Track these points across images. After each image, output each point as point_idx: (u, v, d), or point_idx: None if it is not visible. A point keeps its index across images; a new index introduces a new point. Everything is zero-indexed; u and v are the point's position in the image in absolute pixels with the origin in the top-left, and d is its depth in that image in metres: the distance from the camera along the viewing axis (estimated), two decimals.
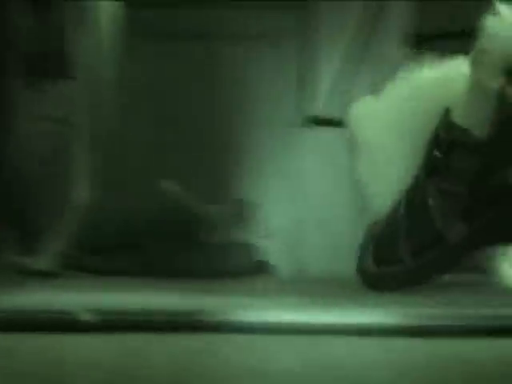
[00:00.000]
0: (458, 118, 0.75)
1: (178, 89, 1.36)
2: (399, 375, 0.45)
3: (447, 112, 0.77)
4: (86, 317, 0.60)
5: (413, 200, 0.78)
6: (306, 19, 1.24)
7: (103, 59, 1.36)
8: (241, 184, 1.31)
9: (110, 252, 1.07)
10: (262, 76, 1.37)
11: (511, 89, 0.71)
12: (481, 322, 0.60)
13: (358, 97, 1.19)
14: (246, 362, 0.50)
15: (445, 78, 0.83)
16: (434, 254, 0.77)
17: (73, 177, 1.24)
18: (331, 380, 0.44)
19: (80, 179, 1.26)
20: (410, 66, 0.98)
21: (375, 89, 1.16)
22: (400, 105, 0.82)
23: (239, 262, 1.05)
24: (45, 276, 1.00)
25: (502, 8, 0.79)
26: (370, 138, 0.83)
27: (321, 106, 1.22)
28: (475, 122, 0.73)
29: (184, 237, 1.06)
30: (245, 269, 1.05)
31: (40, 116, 1.25)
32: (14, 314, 0.63)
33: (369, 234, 0.86)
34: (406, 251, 0.78)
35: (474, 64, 0.78)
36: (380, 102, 0.83)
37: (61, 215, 1.15)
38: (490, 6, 0.81)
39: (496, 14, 0.77)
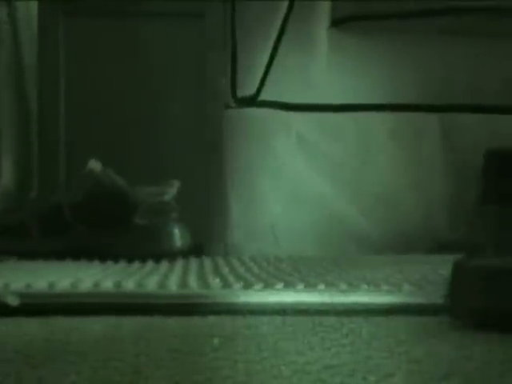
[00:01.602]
0: None
1: (102, 70, 1.34)
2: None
3: None
4: (12, 300, 0.60)
5: None
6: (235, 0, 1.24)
7: (19, 38, 1.33)
8: (171, 165, 1.31)
9: (39, 235, 1.05)
10: (192, 58, 1.36)
11: None
12: None
13: (289, 76, 1.20)
14: (165, 342, 0.49)
15: None
16: None
17: None
18: None
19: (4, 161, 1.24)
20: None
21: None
22: None
23: (171, 244, 1.05)
24: None
25: None
26: None
27: (252, 87, 1.21)
28: None
29: (115, 219, 1.05)
30: (177, 250, 1.05)
31: None
32: None
33: None
34: None
35: None
36: None
37: None
38: None
39: None
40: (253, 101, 1.21)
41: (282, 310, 0.61)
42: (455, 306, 0.56)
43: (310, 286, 0.71)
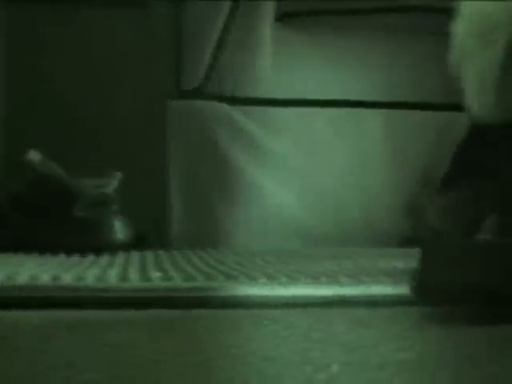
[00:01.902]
0: None
1: (48, 58, 1.32)
2: None
3: None
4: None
5: None
6: None
7: None
8: (113, 157, 1.29)
9: None
10: (136, 48, 1.35)
11: None
12: None
13: (234, 70, 1.20)
14: (101, 336, 0.49)
15: None
16: None
17: None
18: None
19: None
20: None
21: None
22: None
23: (112, 237, 1.03)
24: None
25: None
26: None
27: (198, 79, 1.21)
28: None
29: (54, 211, 1.03)
30: (118, 243, 1.03)
31: None
32: None
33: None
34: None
35: None
36: None
37: None
38: None
39: None
40: (196, 93, 1.21)
41: (222, 303, 0.61)
42: (421, 283, 0.59)
43: (251, 279, 0.71)
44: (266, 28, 1.22)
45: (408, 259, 0.92)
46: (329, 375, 0.38)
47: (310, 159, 1.22)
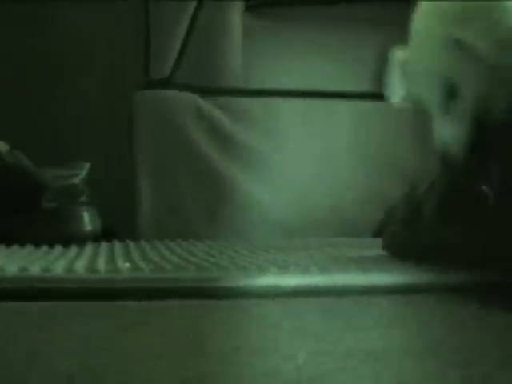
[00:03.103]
0: None
1: (15, 51, 1.30)
2: None
3: None
4: None
5: None
6: None
7: None
8: (84, 147, 1.28)
9: None
10: (104, 37, 1.34)
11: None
12: None
13: (203, 60, 1.20)
14: (69, 328, 0.49)
15: None
16: None
17: None
18: None
19: None
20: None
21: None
22: None
23: (80, 228, 1.03)
24: None
25: None
26: None
27: (166, 69, 1.20)
28: None
29: (21, 202, 1.02)
30: (87, 234, 1.03)
31: None
32: None
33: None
34: None
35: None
36: None
37: None
38: None
39: None
40: (165, 83, 1.20)
41: (191, 293, 0.61)
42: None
43: (221, 270, 0.71)
44: (236, 18, 1.22)
45: (377, 249, 0.93)
46: (296, 364, 0.38)
47: (279, 150, 1.22)
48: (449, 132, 0.62)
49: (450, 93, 0.61)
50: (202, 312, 0.55)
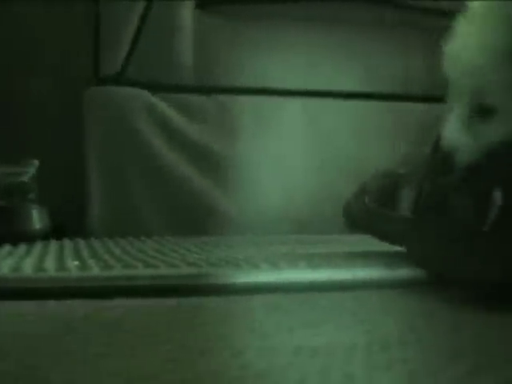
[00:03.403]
0: None
1: None
2: None
3: None
4: None
5: None
6: None
7: None
8: (32, 145, 1.26)
9: None
10: (56, 33, 1.32)
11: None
12: None
13: (154, 56, 1.19)
14: (14, 327, 0.48)
15: None
16: None
17: None
18: None
19: None
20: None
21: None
22: None
23: (29, 226, 1.01)
24: None
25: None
26: None
27: (117, 65, 1.19)
28: None
29: None
30: (36, 232, 1.01)
31: None
32: None
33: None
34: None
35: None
36: None
37: None
38: None
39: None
40: (116, 80, 1.19)
41: (142, 292, 0.61)
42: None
43: (172, 267, 0.70)
44: (187, 14, 1.21)
45: (328, 246, 0.93)
46: (244, 361, 0.38)
47: (233, 147, 1.22)
48: (462, 138, 0.60)
49: (485, 110, 0.58)
50: (152, 310, 0.54)
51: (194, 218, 1.19)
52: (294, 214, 1.23)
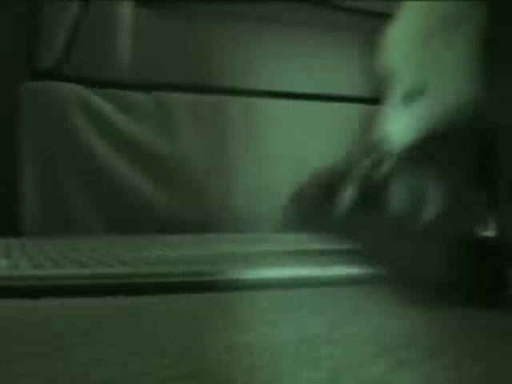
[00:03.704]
0: None
1: None
2: None
3: None
4: None
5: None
6: None
7: None
8: None
9: None
10: None
11: None
12: None
13: (91, 52, 1.17)
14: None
15: None
16: None
17: None
18: None
19: None
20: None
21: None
22: None
23: None
24: None
25: None
26: None
27: (53, 60, 1.17)
28: None
29: None
30: None
31: None
32: None
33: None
34: None
35: None
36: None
37: None
38: None
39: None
40: (51, 75, 1.17)
41: (72, 291, 0.60)
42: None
43: (106, 266, 0.70)
44: (126, 11, 1.20)
45: (264, 243, 0.94)
46: (174, 360, 0.38)
47: (170, 145, 1.22)
48: (402, 124, 0.60)
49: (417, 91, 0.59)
50: (81, 310, 0.54)
51: (131, 216, 1.17)
52: (234, 212, 1.24)
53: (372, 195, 0.62)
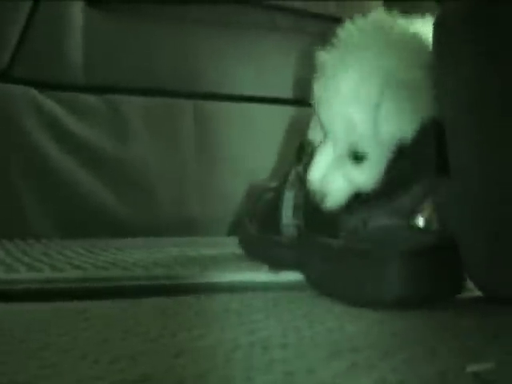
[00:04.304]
0: None
1: None
2: None
3: None
4: None
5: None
6: None
7: None
8: None
9: None
10: None
11: None
12: None
13: (42, 54, 1.16)
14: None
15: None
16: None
17: None
18: None
19: None
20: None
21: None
22: None
23: None
24: None
25: None
26: None
27: (3, 62, 1.15)
28: None
29: None
30: None
31: None
32: None
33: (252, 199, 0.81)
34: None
35: None
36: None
37: None
38: None
39: None
40: (2, 77, 1.15)
41: (22, 296, 0.59)
42: None
43: (57, 271, 0.69)
44: (77, 12, 1.19)
45: (217, 247, 0.93)
46: (124, 365, 0.38)
47: (122, 148, 1.20)
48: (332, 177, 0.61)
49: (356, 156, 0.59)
50: (32, 315, 0.53)
51: (83, 219, 1.16)
52: (186, 216, 1.23)
53: (315, 218, 0.63)
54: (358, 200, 0.58)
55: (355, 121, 0.57)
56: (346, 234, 0.57)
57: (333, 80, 0.59)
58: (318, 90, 0.61)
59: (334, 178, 0.59)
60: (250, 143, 1.28)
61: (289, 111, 1.30)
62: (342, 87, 0.58)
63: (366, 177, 0.57)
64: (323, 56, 0.61)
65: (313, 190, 0.61)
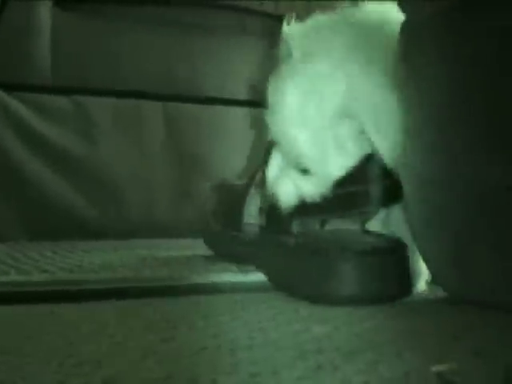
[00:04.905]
0: None
1: None
2: None
3: None
4: None
5: None
6: None
7: None
8: None
9: None
10: None
11: None
12: None
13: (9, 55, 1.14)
14: None
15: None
16: None
17: None
18: None
19: None
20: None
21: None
22: None
23: None
24: None
25: None
26: None
27: None
28: None
29: None
30: None
31: None
32: None
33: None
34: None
35: None
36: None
37: None
38: None
39: None
40: None
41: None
42: None
43: (22, 274, 0.68)
44: (45, 12, 1.18)
45: (186, 249, 0.93)
46: (89, 368, 0.37)
47: (90, 150, 1.20)
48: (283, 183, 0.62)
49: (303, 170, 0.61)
50: (3, 319, 0.52)
51: (50, 221, 1.15)
52: (155, 217, 1.23)
53: (276, 218, 0.64)
54: (314, 203, 0.59)
55: (299, 141, 0.58)
56: (303, 233, 0.59)
57: (282, 96, 0.60)
58: (271, 97, 0.62)
59: (283, 181, 0.61)
60: (219, 145, 1.28)
61: (258, 113, 1.30)
62: (289, 106, 0.59)
63: (311, 188, 0.59)
64: (281, 65, 0.62)
65: (269, 189, 0.63)
